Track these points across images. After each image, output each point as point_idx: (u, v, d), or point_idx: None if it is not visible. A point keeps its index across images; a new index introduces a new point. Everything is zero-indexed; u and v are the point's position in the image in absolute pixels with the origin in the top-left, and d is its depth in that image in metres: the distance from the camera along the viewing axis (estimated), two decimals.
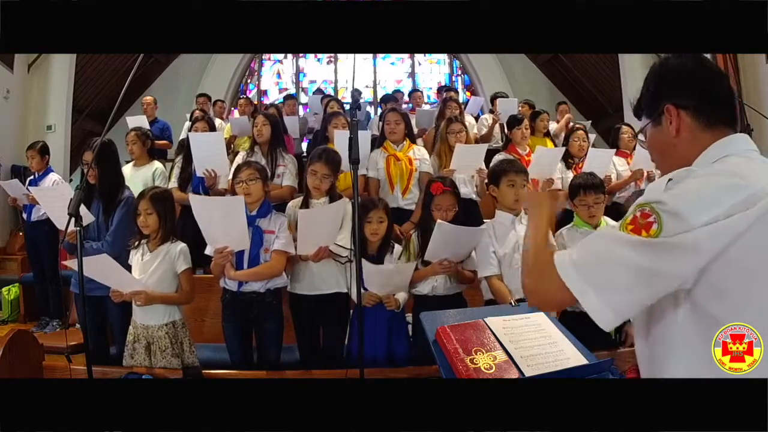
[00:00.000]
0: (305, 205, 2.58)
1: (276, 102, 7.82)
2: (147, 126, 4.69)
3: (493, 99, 5.65)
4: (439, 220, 2.38)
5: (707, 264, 0.80)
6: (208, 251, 2.43)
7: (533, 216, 1.16)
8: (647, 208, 0.83)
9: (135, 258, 2.42)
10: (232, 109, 7.59)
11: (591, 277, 0.86)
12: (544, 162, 3.54)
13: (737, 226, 0.79)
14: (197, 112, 5.09)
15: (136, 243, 2.43)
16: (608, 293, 0.85)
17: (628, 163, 3.80)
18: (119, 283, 2.29)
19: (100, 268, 2.22)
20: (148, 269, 2.36)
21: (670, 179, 0.86)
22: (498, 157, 3.47)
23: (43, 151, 4.20)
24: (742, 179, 0.82)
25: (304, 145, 5.67)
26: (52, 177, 4.17)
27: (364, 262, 2.22)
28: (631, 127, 3.99)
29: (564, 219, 3.48)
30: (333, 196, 2.58)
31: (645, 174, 3.65)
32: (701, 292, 0.83)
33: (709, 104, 0.93)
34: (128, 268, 2.40)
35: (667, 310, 0.87)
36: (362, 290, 2.21)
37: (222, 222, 2.29)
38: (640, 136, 1.06)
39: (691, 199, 0.82)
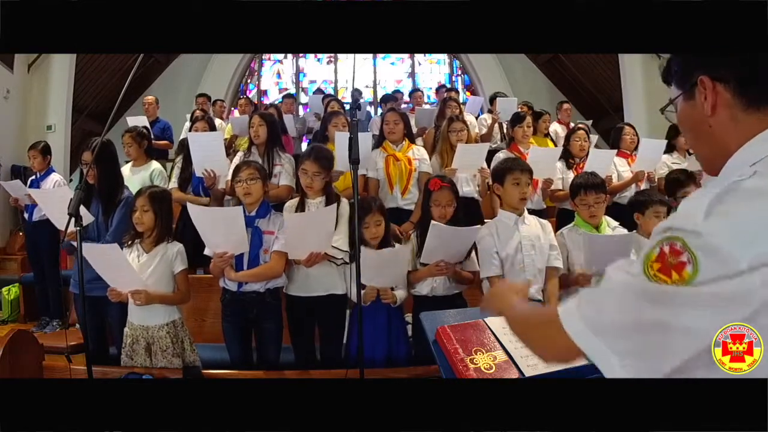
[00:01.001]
0: (301, 204, 2.57)
1: (276, 102, 7.83)
2: (147, 125, 4.70)
3: (492, 99, 5.66)
4: (433, 222, 2.37)
5: (754, 312, 0.62)
6: (207, 252, 2.43)
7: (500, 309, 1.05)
8: (678, 243, 0.64)
9: (131, 257, 2.40)
10: (232, 109, 7.59)
11: (611, 343, 0.70)
12: (541, 162, 3.54)
13: None
14: (197, 112, 5.09)
15: (130, 242, 2.42)
16: (633, 360, 0.69)
17: (629, 164, 3.80)
18: (120, 278, 2.28)
19: (106, 259, 2.21)
20: (146, 270, 2.35)
21: (711, 198, 0.66)
22: (501, 156, 3.47)
23: (45, 151, 4.21)
24: None
25: (304, 146, 5.67)
26: (54, 177, 4.18)
27: (362, 248, 2.18)
28: (633, 128, 3.99)
29: (564, 219, 3.49)
30: (329, 195, 2.56)
31: (646, 175, 3.65)
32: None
33: (755, 78, 0.73)
34: None
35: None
36: (361, 289, 2.21)
37: (221, 230, 2.29)
38: (670, 108, 0.85)
39: (738, 226, 0.62)
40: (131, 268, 2.28)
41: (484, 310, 1.22)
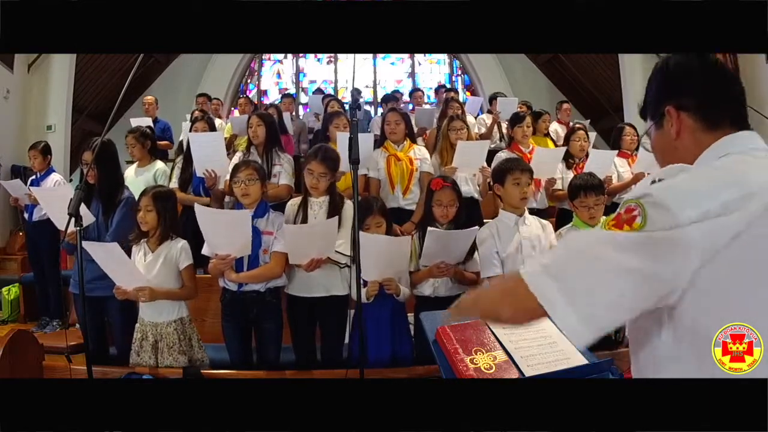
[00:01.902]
0: (304, 204, 2.56)
1: (276, 102, 7.83)
2: (151, 125, 4.70)
3: (491, 99, 5.65)
4: (430, 228, 2.38)
5: (697, 269, 0.72)
6: (205, 251, 2.43)
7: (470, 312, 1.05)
8: (632, 203, 0.76)
9: (138, 257, 2.42)
10: (232, 108, 7.59)
11: (562, 281, 0.75)
12: (545, 162, 3.54)
13: (734, 225, 0.71)
14: (197, 112, 5.09)
15: (137, 241, 2.44)
16: (583, 304, 0.74)
17: (629, 164, 3.80)
18: (124, 276, 2.28)
19: (109, 257, 2.22)
20: (152, 269, 2.36)
21: (659, 173, 0.82)
22: (501, 156, 3.47)
23: (45, 151, 4.21)
24: (739, 176, 0.76)
25: (303, 147, 5.66)
26: (54, 177, 4.18)
27: (361, 233, 2.14)
28: (634, 128, 3.99)
29: (564, 218, 3.49)
30: (333, 195, 2.55)
31: (646, 176, 3.65)
32: (687, 307, 0.75)
33: (710, 104, 0.88)
34: None
35: (652, 334, 0.80)
36: (362, 289, 2.20)
37: (227, 232, 2.28)
38: (644, 138, 1.01)
39: (679, 191, 0.75)
40: (133, 266, 2.28)
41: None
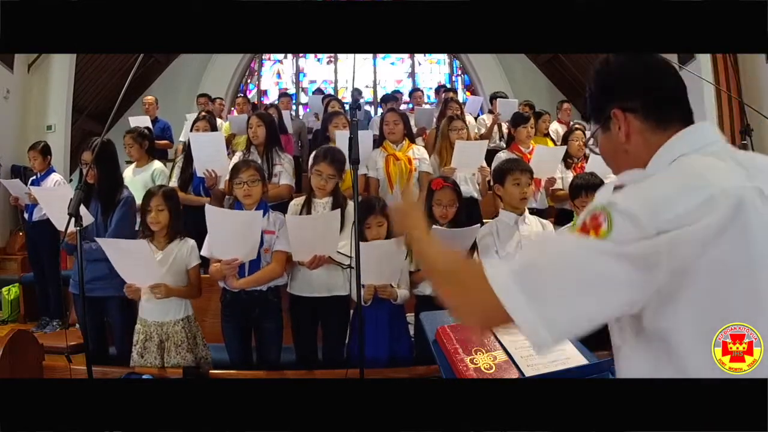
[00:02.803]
0: (308, 204, 2.57)
1: (275, 102, 7.83)
2: (150, 125, 4.70)
3: (492, 99, 5.65)
4: (433, 226, 2.38)
5: (666, 281, 0.70)
6: (204, 253, 2.42)
7: (404, 227, 1.03)
8: (597, 210, 0.73)
9: None
10: (232, 108, 7.59)
11: (526, 287, 0.73)
12: (545, 161, 3.54)
13: (704, 233, 0.69)
14: (202, 113, 5.08)
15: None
16: (544, 304, 0.72)
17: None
18: (140, 274, 2.26)
19: (128, 254, 2.21)
20: (163, 268, 2.35)
21: (619, 180, 0.79)
22: (501, 156, 3.47)
23: (45, 151, 4.22)
24: (702, 179, 0.72)
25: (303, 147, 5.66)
26: (54, 177, 4.18)
27: (362, 243, 2.17)
28: None
29: (563, 219, 3.49)
30: (336, 196, 2.55)
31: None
32: (650, 314, 0.73)
33: (656, 103, 0.85)
34: None
35: (624, 344, 0.79)
36: (362, 289, 2.20)
37: (236, 235, 2.27)
38: (591, 142, 0.97)
39: (645, 198, 0.72)
40: (154, 263, 2.25)
41: (396, 233, 1.18)
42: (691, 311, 0.72)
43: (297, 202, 2.64)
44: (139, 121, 4.89)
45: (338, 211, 2.37)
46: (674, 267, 0.69)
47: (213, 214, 2.25)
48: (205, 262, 2.53)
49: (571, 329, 0.74)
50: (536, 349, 0.74)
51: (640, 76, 0.87)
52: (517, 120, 3.87)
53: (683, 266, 0.69)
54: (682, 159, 0.79)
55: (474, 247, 2.49)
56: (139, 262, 2.23)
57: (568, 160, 3.77)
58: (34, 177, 4.27)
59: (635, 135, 0.86)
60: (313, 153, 2.82)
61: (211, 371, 2.37)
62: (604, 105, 0.89)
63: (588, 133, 4.46)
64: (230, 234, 2.28)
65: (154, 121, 5.48)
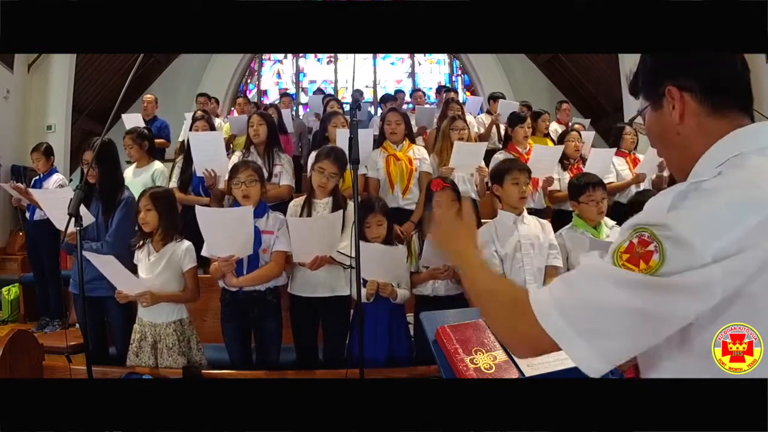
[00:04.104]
0: (308, 204, 2.57)
1: (275, 102, 7.83)
2: (142, 124, 4.68)
3: (491, 99, 5.65)
4: (428, 237, 2.38)
5: (718, 303, 0.67)
6: (204, 253, 2.42)
7: (449, 245, 1.01)
8: (646, 234, 0.68)
9: (141, 257, 2.42)
10: (232, 108, 7.58)
11: (578, 324, 0.71)
12: (543, 161, 3.54)
13: (762, 258, 0.64)
14: (199, 112, 5.09)
15: (141, 242, 2.44)
16: (599, 341, 0.70)
17: (628, 163, 3.79)
18: (124, 283, 2.30)
19: (107, 267, 2.24)
20: (156, 270, 2.37)
21: (675, 195, 0.71)
22: (499, 156, 3.47)
23: (48, 152, 4.24)
24: (761, 191, 0.67)
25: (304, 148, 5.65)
26: (56, 177, 4.20)
27: (362, 243, 2.19)
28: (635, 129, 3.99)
29: (560, 220, 3.49)
30: (336, 196, 2.56)
31: (647, 177, 3.65)
32: (698, 328, 0.71)
33: (715, 86, 0.79)
34: (134, 267, 2.41)
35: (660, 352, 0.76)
36: (362, 289, 2.20)
37: (229, 232, 2.27)
38: (638, 119, 0.91)
39: (700, 221, 0.66)
40: (131, 276, 2.29)
41: (435, 245, 1.16)
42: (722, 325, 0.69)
43: (297, 203, 2.64)
44: (132, 118, 4.87)
45: (340, 213, 2.37)
46: (729, 293, 0.66)
47: (202, 215, 2.26)
48: (206, 262, 2.53)
49: (625, 356, 0.72)
50: (592, 375, 0.72)
51: (702, 55, 0.81)
52: (514, 120, 3.86)
53: (738, 292, 0.66)
54: (737, 159, 0.73)
55: None
56: (117, 273, 2.25)
57: (564, 162, 3.75)
58: (37, 177, 4.28)
59: (690, 117, 0.80)
60: (316, 151, 2.83)
61: (210, 371, 2.37)
62: (659, 81, 0.83)
63: (590, 134, 4.47)
64: (223, 232, 2.28)
65: (152, 120, 5.47)
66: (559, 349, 0.73)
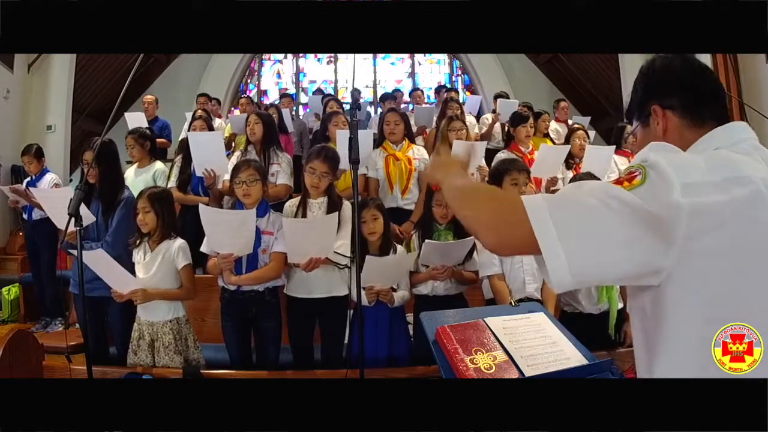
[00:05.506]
0: (303, 204, 2.56)
1: (276, 102, 7.83)
2: (145, 124, 4.69)
3: (495, 99, 5.65)
4: (426, 240, 2.39)
5: (679, 249, 0.73)
6: (204, 249, 2.43)
7: (444, 174, 1.06)
8: (634, 167, 0.80)
9: (138, 257, 2.43)
10: (233, 108, 7.58)
11: (556, 215, 0.77)
12: (549, 160, 3.53)
13: (725, 207, 0.73)
14: (199, 112, 5.08)
15: (138, 242, 2.44)
16: (569, 237, 0.75)
17: (629, 162, 3.79)
18: (117, 281, 2.30)
19: (99, 263, 2.23)
20: (151, 268, 2.37)
21: (652, 146, 0.86)
22: (500, 156, 3.46)
23: (39, 154, 4.25)
24: (731, 162, 0.79)
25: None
26: (49, 177, 4.20)
27: (367, 257, 2.22)
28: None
29: None
30: (331, 196, 2.55)
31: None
32: (669, 290, 0.76)
33: (694, 102, 0.92)
34: (132, 267, 2.40)
35: (642, 315, 0.82)
36: (362, 290, 2.21)
37: (231, 232, 2.28)
38: (631, 138, 1.07)
39: (679, 162, 0.78)
40: (122, 269, 2.28)
41: (428, 178, 1.28)
42: (699, 296, 0.75)
43: (292, 203, 2.63)
44: (136, 117, 4.87)
45: (335, 214, 2.37)
46: (691, 232, 0.72)
47: (206, 214, 2.27)
48: (203, 261, 2.53)
49: (589, 272, 0.77)
50: (554, 284, 0.77)
51: (680, 76, 0.94)
52: (516, 119, 3.85)
53: (696, 245, 0.73)
54: (714, 152, 0.84)
55: (473, 248, 2.49)
56: (109, 270, 2.26)
57: (569, 161, 3.76)
58: (29, 179, 4.28)
59: (672, 131, 0.92)
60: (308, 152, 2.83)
61: (210, 371, 2.37)
62: (645, 102, 0.96)
63: (590, 133, 4.46)
64: (225, 232, 2.29)
65: (154, 120, 5.47)
66: (527, 252, 0.80)
